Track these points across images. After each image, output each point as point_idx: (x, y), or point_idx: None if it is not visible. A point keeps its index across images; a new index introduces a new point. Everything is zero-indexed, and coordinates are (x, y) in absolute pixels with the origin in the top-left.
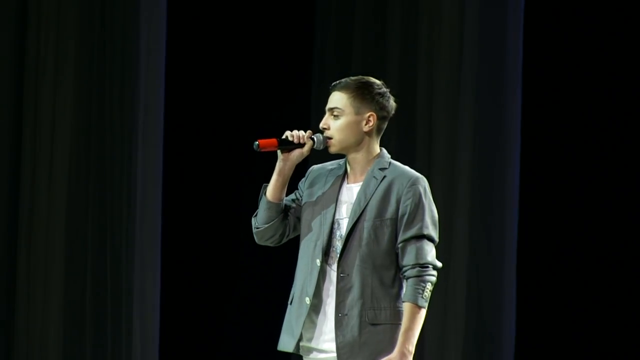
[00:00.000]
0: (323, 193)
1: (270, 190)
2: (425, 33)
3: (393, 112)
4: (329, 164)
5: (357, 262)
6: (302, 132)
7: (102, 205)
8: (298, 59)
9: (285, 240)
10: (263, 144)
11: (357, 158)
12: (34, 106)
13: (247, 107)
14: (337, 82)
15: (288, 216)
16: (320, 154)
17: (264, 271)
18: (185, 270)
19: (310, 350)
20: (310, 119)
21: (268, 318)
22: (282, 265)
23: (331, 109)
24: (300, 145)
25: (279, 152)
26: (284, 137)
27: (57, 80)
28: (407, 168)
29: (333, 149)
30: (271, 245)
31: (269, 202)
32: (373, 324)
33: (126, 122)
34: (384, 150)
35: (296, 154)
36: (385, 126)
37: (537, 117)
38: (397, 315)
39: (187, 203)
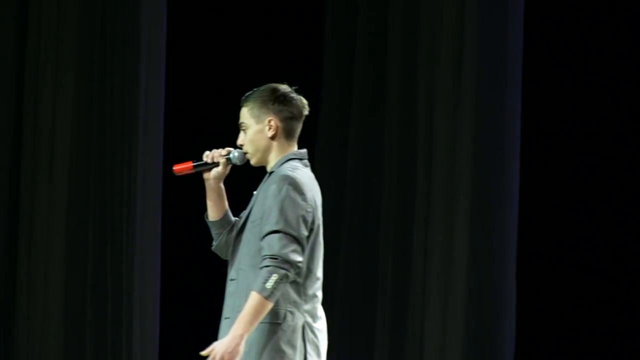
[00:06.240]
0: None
1: (208, 209)
2: (425, 33)
3: (305, 110)
4: None
5: (240, 265)
6: (218, 151)
7: (103, 206)
8: (303, 55)
9: None
10: (178, 169)
11: (269, 165)
12: (35, 106)
13: None
14: (243, 96)
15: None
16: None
17: None
18: (185, 271)
19: None
20: (318, 118)
21: None
22: None
23: (239, 124)
24: (216, 164)
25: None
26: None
27: (58, 81)
28: (283, 169)
29: (252, 162)
30: None
31: (208, 221)
32: None
33: (126, 122)
34: (291, 151)
35: (213, 173)
36: (296, 126)
37: (537, 116)
38: (273, 314)
39: (187, 203)
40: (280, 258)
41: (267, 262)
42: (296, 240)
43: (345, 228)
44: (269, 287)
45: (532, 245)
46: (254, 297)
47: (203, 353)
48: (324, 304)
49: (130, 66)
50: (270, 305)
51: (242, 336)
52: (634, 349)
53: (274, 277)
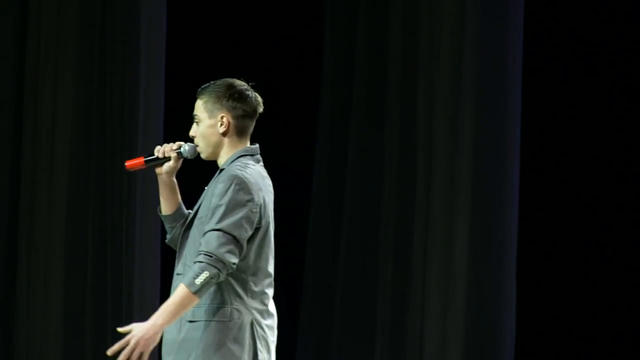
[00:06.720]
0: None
1: (161, 203)
2: (425, 33)
3: (259, 108)
4: None
5: (187, 261)
6: (169, 146)
7: (103, 206)
8: (303, 55)
9: None
10: (129, 165)
11: (220, 161)
12: (35, 106)
13: None
14: (199, 88)
15: None
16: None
17: None
18: None
19: None
20: (318, 118)
21: None
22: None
23: (193, 116)
24: (167, 159)
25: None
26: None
27: (58, 81)
28: (233, 167)
29: (203, 156)
30: None
31: (161, 215)
32: (190, 321)
33: (126, 122)
34: (243, 148)
35: (165, 168)
36: (249, 124)
37: (537, 117)
38: (217, 312)
39: (186, 203)
40: (215, 257)
41: (201, 257)
42: (235, 240)
43: (345, 228)
44: (198, 283)
45: (532, 245)
46: (181, 290)
47: (121, 330)
48: (324, 303)
49: (130, 66)
50: (196, 301)
51: (161, 325)
52: (634, 348)
53: (205, 275)
